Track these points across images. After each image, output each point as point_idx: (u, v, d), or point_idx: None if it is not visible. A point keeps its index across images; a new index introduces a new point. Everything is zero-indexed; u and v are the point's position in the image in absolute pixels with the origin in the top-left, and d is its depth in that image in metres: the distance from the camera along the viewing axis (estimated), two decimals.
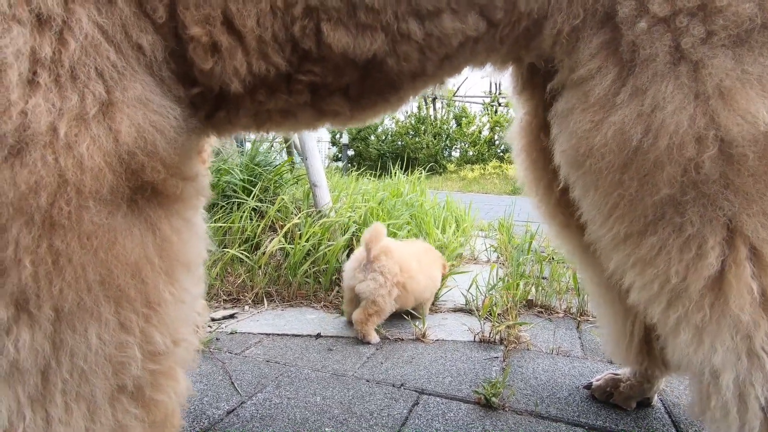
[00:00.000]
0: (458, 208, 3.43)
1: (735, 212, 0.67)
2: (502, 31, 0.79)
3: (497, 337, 1.51)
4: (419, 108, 15.44)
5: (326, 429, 1.00)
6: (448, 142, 15.24)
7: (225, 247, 2.07)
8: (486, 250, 2.82)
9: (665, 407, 1.12)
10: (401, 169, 3.81)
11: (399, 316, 1.75)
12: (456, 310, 1.86)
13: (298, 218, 2.18)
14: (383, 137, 15.62)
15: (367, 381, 1.24)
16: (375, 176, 4.17)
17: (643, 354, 1.06)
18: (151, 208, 0.57)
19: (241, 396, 1.14)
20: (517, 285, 1.83)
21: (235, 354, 1.40)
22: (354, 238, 2.15)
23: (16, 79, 0.47)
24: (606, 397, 1.13)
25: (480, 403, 1.11)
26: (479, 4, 0.74)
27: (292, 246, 2.03)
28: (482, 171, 12.36)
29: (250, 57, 0.66)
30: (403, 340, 1.55)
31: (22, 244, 0.48)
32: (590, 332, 1.64)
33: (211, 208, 2.24)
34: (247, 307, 1.85)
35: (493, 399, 1.09)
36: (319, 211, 2.31)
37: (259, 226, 2.18)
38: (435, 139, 14.65)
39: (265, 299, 1.91)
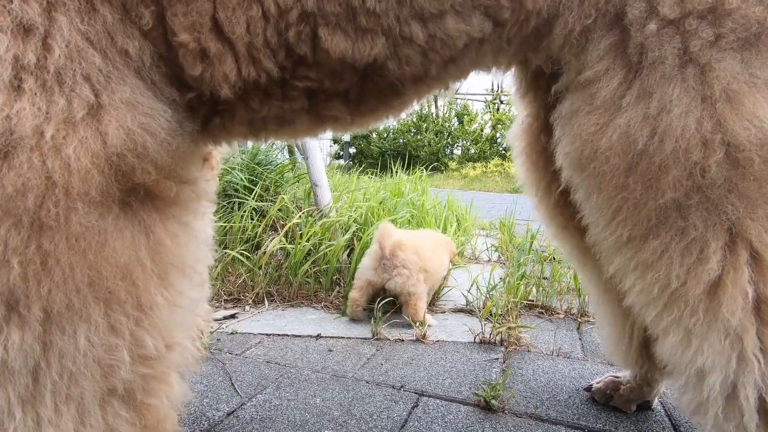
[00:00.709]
0: (459, 206, 3.43)
1: (738, 217, 0.67)
2: (509, 32, 0.77)
3: (498, 338, 1.51)
4: (421, 106, 15.41)
5: (325, 431, 1.00)
6: (449, 140, 15.22)
7: (226, 247, 2.07)
8: (487, 249, 2.82)
9: (665, 410, 1.12)
10: (403, 167, 3.81)
11: (400, 317, 1.76)
12: (457, 310, 1.86)
13: (299, 218, 2.18)
14: (385, 135, 15.61)
15: (367, 382, 1.24)
16: (376, 174, 4.17)
17: (643, 357, 1.06)
18: (145, 211, 0.57)
19: (241, 397, 1.15)
20: (518, 286, 1.82)
21: (236, 355, 1.41)
22: (354, 238, 2.15)
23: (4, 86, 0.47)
24: (606, 399, 1.13)
25: (480, 405, 1.11)
26: (484, 4, 0.72)
27: (293, 246, 2.03)
28: (484, 169, 12.34)
29: (240, 63, 0.65)
30: (403, 341, 1.55)
31: (10, 246, 0.48)
32: (591, 333, 1.63)
33: None
34: (247, 307, 1.86)
35: (493, 401, 1.09)
36: (320, 211, 2.31)
37: (259, 225, 2.18)
38: (437, 137, 14.63)
39: (265, 299, 1.91)
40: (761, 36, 0.65)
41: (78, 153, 0.49)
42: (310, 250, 2.07)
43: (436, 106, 15.83)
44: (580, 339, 1.59)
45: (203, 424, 1.02)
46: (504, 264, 2.59)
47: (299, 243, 2.02)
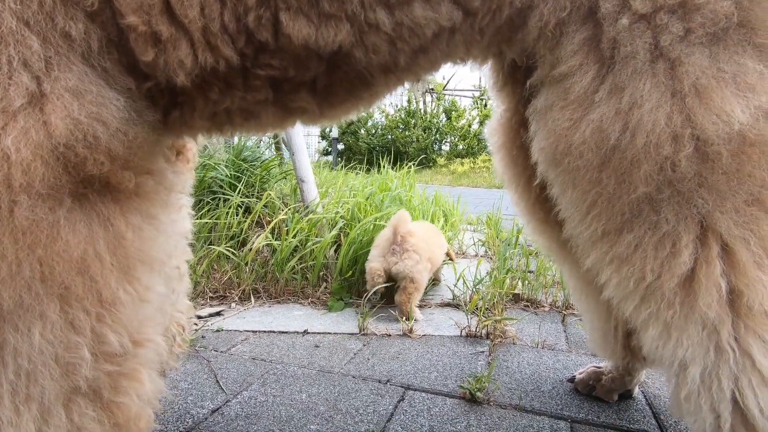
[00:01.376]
0: (447, 202, 3.44)
1: (708, 210, 0.68)
2: (481, 22, 0.77)
3: (484, 331, 1.53)
4: (409, 102, 15.40)
5: (312, 426, 1.00)
6: (437, 135, 15.25)
7: (211, 243, 2.05)
8: (474, 244, 2.84)
9: (646, 399, 1.14)
10: (392, 163, 3.80)
11: (387, 312, 1.76)
12: (443, 304, 1.87)
13: (285, 214, 2.16)
14: (373, 131, 15.57)
15: (354, 377, 1.24)
16: (364, 170, 4.16)
17: (625, 348, 1.08)
18: (103, 203, 0.55)
19: (227, 394, 1.14)
20: (504, 280, 1.84)
21: (221, 352, 1.40)
22: (341, 234, 2.15)
23: None
24: (588, 390, 1.15)
25: (465, 397, 1.12)
26: None
27: (279, 242, 2.02)
28: (472, 165, 12.39)
29: (195, 49, 0.62)
30: (390, 335, 1.55)
31: None
32: (575, 325, 1.66)
33: (197, 204, 2.22)
34: (233, 305, 1.84)
35: (478, 394, 1.10)
36: (307, 207, 2.30)
37: (245, 222, 2.16)
38: (425, 132, 14.64)
39: (252, 296, 1.90)
40: (729, 30, 0.66)
41: (18, 144, 0.47)
42: (296, 246, 2.06)
43: (424, 102, 15.83)
44: (564, 331, 1.61)
45: (187, 422, 1.01)
46: (491, 258, 2.61)
47: (286, 239, 2.01)
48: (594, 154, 0.72)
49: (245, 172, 2.50)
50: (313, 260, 1.99)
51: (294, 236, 2.04)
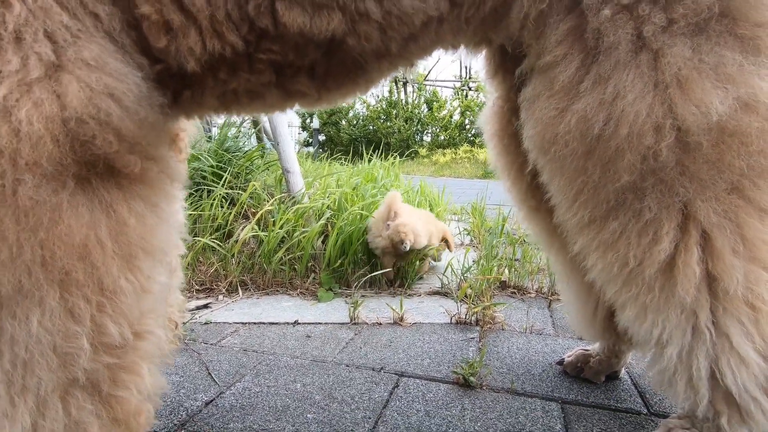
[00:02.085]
0: (431, 192, 3.45)
1: (690, 198, 0.70)
2: (467, 12, 0.78)
3: (473, 318, 1.55)
4: (390, 92, 15.33)
5: (308, 415, 1.00)
6: (419, 126, 15.25)
7: (196, 235, 2.01)
8: (459, 233, 2.86)
9: (631, 379, 1.18)
10: (374, 154, 3.78)
11: (377, 302, 1.77)
12: (432, 293, 1.89)
13: (271, 205, 2.14)
14: (354, 122, 15.47)
15: (347, 366, 1.25)
16: (347, 161, 4.13)
17: (609, 330, 1.11)
18: (106, 188, 0.53)
19: (219, 386, 1.13)
20: (492, 268, 1.87)
21: (211, 344, 1.38)
22: (328, 224, 2.14)
23: None
24: (577, 372, 1.18)
25: (458, 383, 1.14)
26: None
27: (266, 233, 2.00)
28: (453, 155, 12.46)
29: (203, 36, 0.64)
30: (381, 324, 1.56)
31: None
32: (561, 311, 1.70)
33: None
34: (221, 297, 1.82)
35: (471, 378, 1.12)
36: (293, 198, 2.28)
37: (230, 213, 2.13)
38: (407, 123, 14.62)
39: (239, 288, 1.88)
40: (710, 21, 0.68)
41: (30, 117, 0.45)
42: (283, 237, 2.04)
43: (405, 93, 15.79)
44: (551, 316, 1.65)
45: (181, 415, 1.00)
46: (476, 247, 2.65)
47: (272, 230, 1.98)
48: (579, 143, 0.73)
49: (228, 162, 2.45)
50: (301, 251, 1.98)
51: (281, 227, 2.02)
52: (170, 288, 0.98)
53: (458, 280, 1.90)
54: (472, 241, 2.81)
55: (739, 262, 0.70)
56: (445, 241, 2.16)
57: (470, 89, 15.56)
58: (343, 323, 1.57)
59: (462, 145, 13.68)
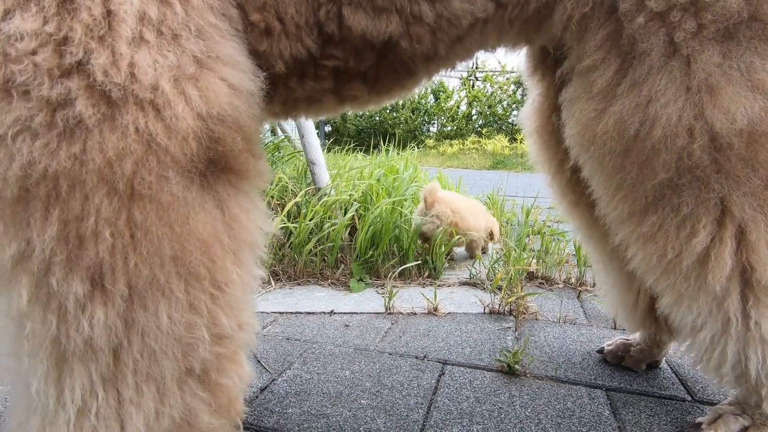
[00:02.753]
0: (449, 184, 3.47)
1: (725, 194, 0.73)
2: (510, 13, 0.82)
3: (507, 308, 1.58)
4: None
5: (362, 401, 1.04)
6: (426, 117, 15.19)
7: None
8: None
9: (671, 367, 1.21)
10: (383, 145, 3.80)
11: (410, 293, 1.80)
12: (461, 283, 1.92)
13: (300, 197, 2.16)
14: (361, 113, 15.42)
15: (390, 354, 1.28)
16: (361, 152, 4.15)
17: (650, 320, 1.13)
18: (219, 184, 0.56)
19: (271, 374, 1.16)
20: (523, 258, 1.89)
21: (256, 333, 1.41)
22: (356, 216, 2.16)
23: (128, 34, 0.45)
24: (617, 360, 1.21)
25: (503, 370, 1.17)
26: None
27: (295, 225, 2.03)
28: (461, 146, 12.42)
29: (290, 40, 0.70)
30: (416, 314, 1.59)
31: (103, 215, 0.47)
32: (590, 301, 1.72)
33: None
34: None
35: (516, 366, 1.15)
36: (319, 190, 2.30)
37: None
38: (413, 114, 14.56)
39: (271, 279, 1.91)
40: (740, 27, 0.69)
41: (184, 113, 0.47)
42: (312, 229, 2.07)
43: None
44: (581, 306, 1.67)
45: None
46: (485, 250, 2.67)
47: (303, 222, 2.01)
48: (617, 143, 0.76)
49: None
50: (331, 243, 2.01)
51: (311, 219, 2.05)
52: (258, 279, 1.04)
53: (487, 271, 1.93)
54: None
55: None
56: (491, 234, 2.27)
57: (476, 79, 15.45)
58: (378, 313, 1.60)
59: (469, 136, 13.63)
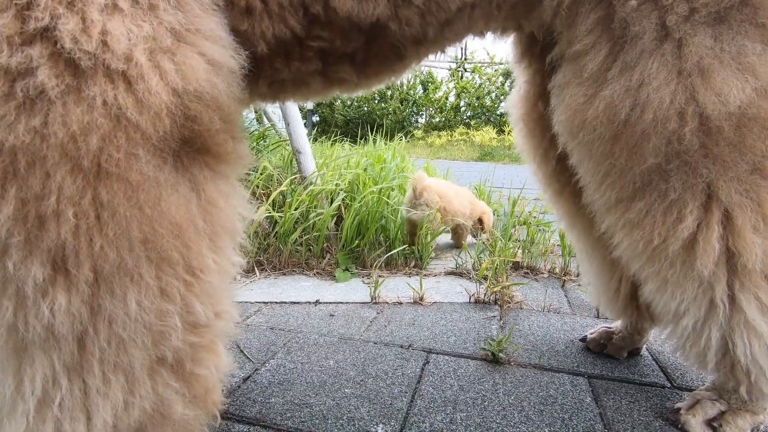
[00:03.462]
0: (437, 174, 3.47)
1: (713, 179, 0.73)
2: None
3: (492, 297, 1.58)
4: None
5: (346, 390, 1.03)
6: (414, 108, 15.13)
7: None
8: None
9: (651, 355, 1.23)
10: (370, 135, 3.77)
11: (396, 282, 1.79)
12: (447, 273, 1.92)
13: (285, 186, 2.13)
14: (349, 103, 15.29)
15: (375, 343, 1.27)
16: (340, 142, 4.11)
17: (631, 308, 1.15)
18: (195, 166, 0.53)
19: (254, 363, 1.15)
20: (509, 248, 1.90)
21: (237, 323, 1.39)
22: (342, 206, 2.14)
23: (100, 0, 0.42)
24: (600, 348, 1.22)
25: (487, 359, 1.17)
26: None
27: (280, 214, 2.00)
28: (449, 138, 12.43)
29: (273, 20, 0.67)
30: (402, 303, 1.58)
31: (65, 194, 0.44)
32: (574, 290, 1.74)
33: None
34: (239, 277, 1.82)
35: (500, 355, 1.16)
36: (305, 179, 2.27)
37: None
38: (402, 104, 14.50)
39: (255, 268, 1.89)
40: (732, 11, 0.69)
41: (157, 87, 0.45)
42: (297, 218, 2.04)
43: None
44: (565, 296, 1.69)
45: (221, 391, 1.02)
46: (473, 236, 2.68)
47: (288, 211, 1.99)
48: (606, 128, 0.76)
49: None
50: (317, 232, 1.99)
51: (296, 208, 2.02)
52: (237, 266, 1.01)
53: (473, 261, 1.93)
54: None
55: (759, 239, 0.73)
56: (480, 221, 2.32)
57: (465, 70, 15.42)
58: (364, 302, 1.60)
59: (457, 127, 13.63)
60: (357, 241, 1.97)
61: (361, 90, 0.94)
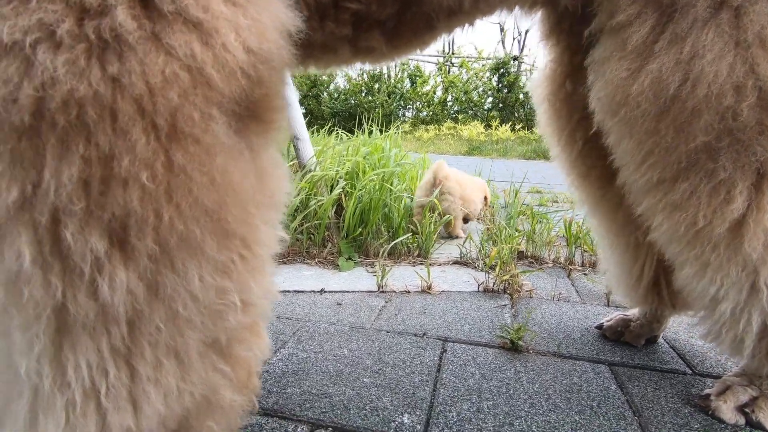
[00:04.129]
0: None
1: (767, 157, 0.70)
2: None
3: (501, 286, 1.55)
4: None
5: (365, 379, 0.98)
6: (401, 101, 15.06)
7: None
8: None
9: (667, 342, 1.21)
10: (365, 126, 3.71)
11: (401, 271, 1.75)
12: (452, 262, 1.89)
13: None
14: (336, 95, 15.12)
15: (388, 332, 1.23)
16: (332, 133, 4.04)
17: (652, 295, 1.13)
18: (252, 132, 0.48)
19: None
20: (515, 237, 1.87)
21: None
22: (343, 194, 2.09)
23: None
24: (617, 336, 1.20)
25: (505, 347, 1.14)
26: None
27: None
28: (437, 131, 12.41)
29: None
30: (409, 292, 1.54)
31: (138, 155, 0.37)
32: (580, 279, 1.73)
33: None
34: None
35: (519, 342, 1.13)
36: (303, 166, 2.20)
37: None
38: (389, 98, 14.41)
39: None
40: None
41: (236, 45, 0.39)
42: (297, 206, 1.98)
43: (388, 67, 15.49)
44: (572, 285, 1.67)
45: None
46: (480, 220, 2.65)
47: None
48: (652, 104, 0.72)
49: None
50: (318, 220, 1.93)
51: (296, 195, 1.96)
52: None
53: (477, 250, 1.90)
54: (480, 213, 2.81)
55: None
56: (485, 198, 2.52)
57: (452, 65, 15.40)
58: (371, 291, 1.55)
59: (445, 121, 13.63)
60: (360, 230, 1.91)
61: (386, 60, 0.90)
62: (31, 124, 0.35)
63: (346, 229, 1.92)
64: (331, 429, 0.82)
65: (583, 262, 1.87)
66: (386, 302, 1.46)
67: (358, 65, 0.94)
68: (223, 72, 0.40)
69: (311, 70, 0.88)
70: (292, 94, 2.31)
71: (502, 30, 15.60)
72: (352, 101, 14.73)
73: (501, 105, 14.08)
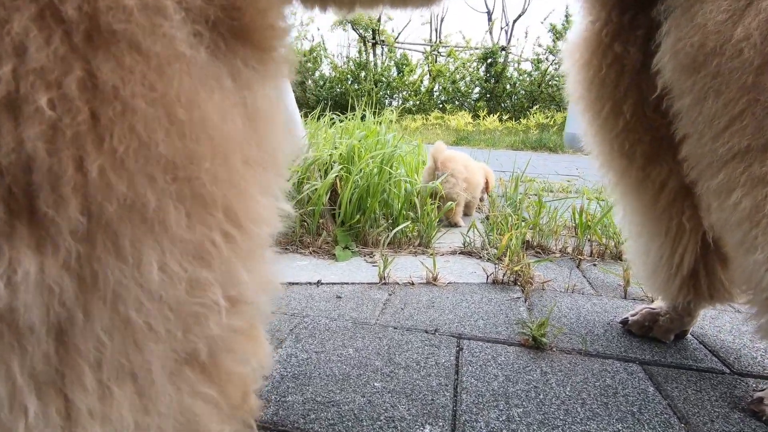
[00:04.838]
0: (425, 154, 3.31)
1: None
2: None
3: (511, 278, 1.45)
4: (360, 53, 14.73)
5: (376, 384, 0.87)
6: (388, 90, 14.85)
7: None
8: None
9: (694, 337, 1.13)
10: (346, 114, 3.56)
11: (403, 261, 1.63)
12: (454, 252, 1.77)
13: None
14: (321, 83, 14.81)
15: (395, 328, 1.11)
16: (322, 118, 3.88)
17: (688, 287, 1.04)
18: (239, 57, 0.34)
19: None
20: (523, 226, 1.77)
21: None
22: (338, 179, 1.95)
23: None
24: (644, 331, 1.11)
25: (526, 344, 1.04)
26: None
27: None
28: (424, 121, 12.28)
29: None
30: (414, 284, 1.43)
31: (33, 64, 0.24)
32: (590, 270, 1.64)
33: None
34: None
35: (543, 339, 1.02)
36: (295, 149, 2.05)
37: None
38: (376, 86, 14.18)
39: None
40: None
41: None
42: (288, 191, 1.83)
43: (375, 54, 15.23)
44: (584, 276, 1.58)
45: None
46: (479, 209, 2.55)
47: None
48: (758, 52, 0.61)
49: None
50: (312, 207, 1.79)
51: (288, 180, 1.81)
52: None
53: (482, 239, 1.80)
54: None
55: None
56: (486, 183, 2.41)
57: (439, 54, 15.22)
58: (372, 283, 1.43)
59: (432, 111, 13.49)
60: (357, 217, 1.78)
61: (410, 7, 0.77)
62: None
63: (343, 216, 1.78)
64: None
65: (591, 251, 1.78)
66: (390, 295, 1.34)
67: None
68: None
69: (333, 12, 0.74)
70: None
71: (490, 19, 15.46)
72: (338, 89, 14.45)
73: (488, 95, 14.00)
